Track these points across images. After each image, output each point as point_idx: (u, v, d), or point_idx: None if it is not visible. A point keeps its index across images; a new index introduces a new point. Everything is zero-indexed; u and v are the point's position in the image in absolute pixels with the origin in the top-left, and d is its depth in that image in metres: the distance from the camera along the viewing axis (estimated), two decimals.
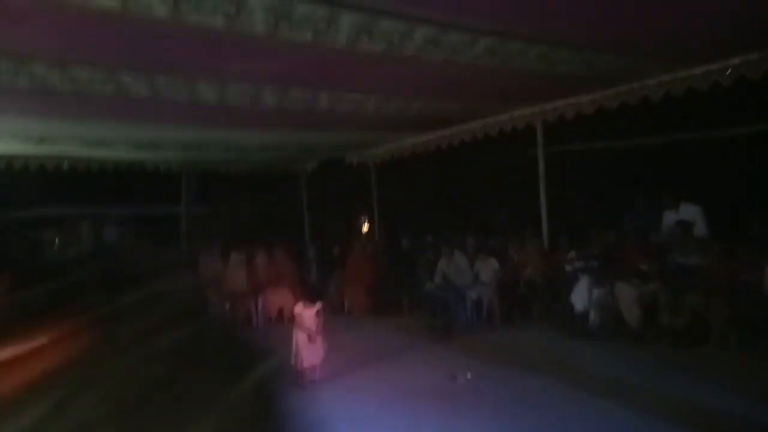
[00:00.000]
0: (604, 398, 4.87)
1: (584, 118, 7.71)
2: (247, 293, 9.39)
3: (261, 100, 6.36)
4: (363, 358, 6.84)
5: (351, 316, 9.59)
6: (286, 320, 8.76)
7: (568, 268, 7.56)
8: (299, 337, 5.78)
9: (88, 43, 4.45)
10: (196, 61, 5.04)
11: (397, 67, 5.40)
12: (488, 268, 8.33)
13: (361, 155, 11.51)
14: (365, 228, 12.92)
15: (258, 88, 6.00)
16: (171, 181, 11.29)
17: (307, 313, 5.84)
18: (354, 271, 9.84)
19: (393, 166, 11.28)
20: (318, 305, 5.97)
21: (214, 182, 11.90)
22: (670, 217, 7.30)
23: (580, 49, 5.32)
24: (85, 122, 6.94)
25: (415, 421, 4.75)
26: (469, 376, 5.72)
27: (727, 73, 6.03)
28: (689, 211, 7.18)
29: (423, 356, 6.83)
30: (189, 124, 7.42)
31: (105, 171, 9.67)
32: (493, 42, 4.87)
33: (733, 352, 5.90)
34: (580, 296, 7.10)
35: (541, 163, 8.51)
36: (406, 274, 9.57)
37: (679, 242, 6.93)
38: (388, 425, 4.69)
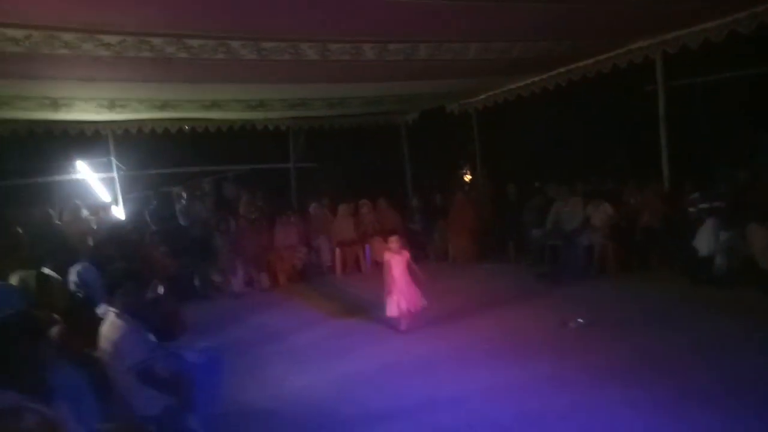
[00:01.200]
0: (733, 354, 4.53)
1: (708, 48, 6.93)
2: (354, 242, 9.77)
3: (361, 56, 6.39)
4: (469, 304, 6.92)
5: (455, 264, 9.68)
6: None
7: (691, 210, 7.02)
8: (390, 283, 5.89)
9: (198, 16, 4.72)
10: (298, 22, 5.16)
11: (497, 9, 5.16)
12: (601, 213, 7.96)
13: (463, 103, 11.27)
14: (468, 176, 12.78)
15: (357, 45, 6.03)
16: (280, 138, 11.82)
17: (395, 260, 5.91)
18: (457, 219, 9.84)
19: (495, 113, 10.93)
20: (405, 252, 5.99)
21: (320, 138, 12.27)
22: None
23: None
24: (200, 87, 7.39)
25: (524, 365, 4.76)
26: (581, 321, 5.60)
27: None
28: None
29: (532, 303, 6.78)
30: (293, 83, 7.66)
31: (221, 131, 10.29)
32: None
33: None
34: (705, 240, 6.59)
35: (661, 99, 7.85)
36: (512, 221, 9.41)
37: None
38: (497, 368, 4.75)
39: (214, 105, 8.64)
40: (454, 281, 8.48)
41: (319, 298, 8.15)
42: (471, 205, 10.22)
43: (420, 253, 10.37)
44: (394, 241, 6.05)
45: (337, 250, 9.76)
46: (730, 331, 5.02)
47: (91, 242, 7.48)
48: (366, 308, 6.97)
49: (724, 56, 7.69)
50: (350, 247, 9.78)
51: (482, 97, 10.70)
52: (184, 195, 10.54)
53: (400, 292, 5.89)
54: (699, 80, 8.55)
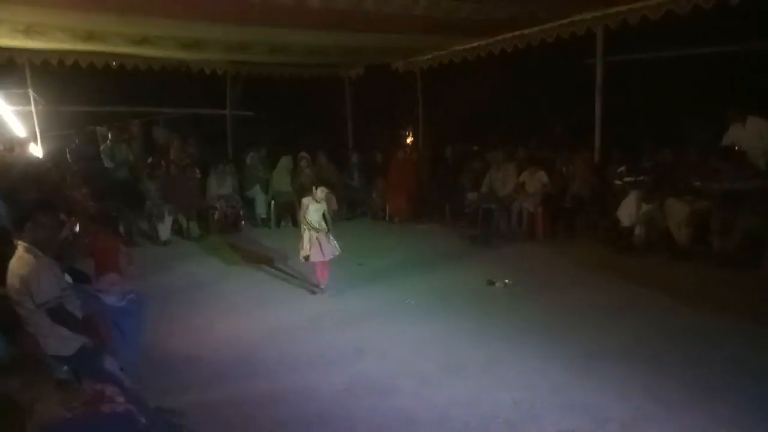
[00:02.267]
0: (638, 316, 4.85)
1: (646, 25, 7.14)
2: (291, 195, 9.61)
3: (305, 2, 6.13)
4: (402, 262, 7.02)
5: (392, 222, 9.76)
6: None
7: (617, 182, 7.35)
8: (306, 233, 5.72)
9: None
10: None
11: None
12: (535, 180, 8.18)
13: (408, 62, 11.14)
14: (409, 136, 12.77)
15: None
16: (216, 83, 11.29)
17: (312, 208, 5.77)
18: (396, 178, 9.87)
19: (441, 74, 10.88)
20: (323, 205, 5.81)
21: (259, 86, 11.80)
22: (735, 132, 6.88)
23: None
24: (129, 19, 6.87)
25: (450, 320, 4.91)
26: (507, 282, 5.81)
27: None
28: (757, 126, 6.73)
29: (463, 262, 6.95)
30: (232, 24, 7.27)
31: (153, 70, 9.69)
32: None
33: None
34: (628, 211, 6.94)
35: (599, 73, 8.05)
36: (450, 183, 9.53)
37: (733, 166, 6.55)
38: (424, 323, 4.86)
39: (145, 41, 8.06)
40: (389, 239, 8.55)
41: (250, 248, 8.01)
42: (410, 164, 10.25)
43: (357, 209, 10.40)
44: (321, 191, 5.80)
45: (272, 202, 9.58)
46: (640, 295, 5.36)
47: (5, 178, 6.95)
48: (297, 261, 6.91)
49: (663, 35, 7.92)
50: (286, 201, 9.61)
51: (428, 56, 10.60)
52: (110, 136, 9.95)
53: (313, 245, 5.69)
54: (636, 57, 8.79)
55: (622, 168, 7.42)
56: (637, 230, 6.82)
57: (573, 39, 8.00)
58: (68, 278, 3.59)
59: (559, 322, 4.72)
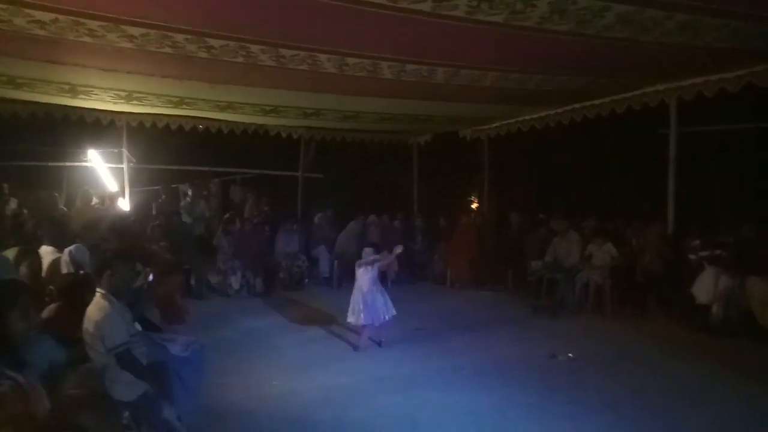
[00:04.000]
0: (716, 402, 4.49)
1: (723, 97, 6.96)
2: (355, 256, 9.74)
3: (378, 74, 6.47)
4: (461, 327, 6.89)
5: (453, 287, 9.65)
6: (389, 284, 9.03)
7: (692, 256, 6.98)
8: (356, 295, 5.87)
9: (222, 17, 4.80)
10: (318, 32, 5.23)
11: (518, 39, 5.20)
12: (603, 252, 7.92)
13: (475, 130, 11.33)
14: (474, 201, 12.80)
15: (375, 62, 6.10)
16: (291, 146, 11.92)
17: (362, 270, 5.89)
18: (459, 243, 9.84)
19: (507, 142, 10.98)
20: (374, 267, 5.92)
21: (330, 150, 12.36)
22: None
23: (727, 18, 4.78)
24: (216, 87, 7.49)
25: (507, 391, 4.72)
26: (571, 356, 5.55)
27: None
28: None
29: (524, 332, 6.73)
30: (309, 92, 7.75)
31: (233, 134, 10.39)
32: (627, 9, 4.53)
33: None
34: (704, 287, 6.54)
35: (672, 144, 7.86)
36: (513, 250, 9.38)
37: None
38: (480, 392, 4.71)
39: (229, 107, 8.75)
40: (450, 304, 8.45)
41: (312, 307, 8.13)
42: (474, 230, 10.21)
43: (419, 274, 10.38)
44: (367, 252, 6.01)
45: (336, 263, 9.76)
46: (718, 380, 4.96)
47: (95, 229, 7.54)
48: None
49: (740, 107, 7.70)
50: (349, 261, 9.74)
51: (496, 125, 10.75)
52: (190, 193, 10.62)
53: (364, 304, 5.83)
54: (712, 129, 8.55)
55: (697, 242, 7.06)
56: (715, 308, 6.39)
57: (646, 109, 7.90)
58: (138, 326, 3.79)
59: (628, 404, 4.43)
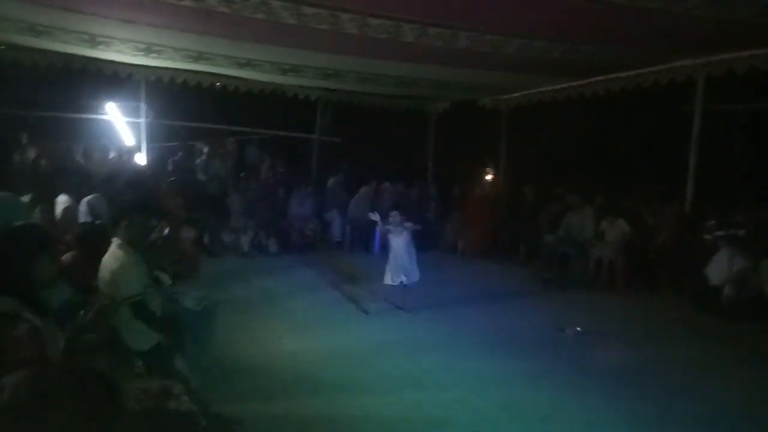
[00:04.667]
0: (721, 382, 4.49)
1: (752, 73, 6.74)
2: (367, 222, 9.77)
3: (400, 36, 6.34)
4: (471, 297, 6.93)
5: (463, 257, 9.66)
6: None
7: (707, 236, 6.89)
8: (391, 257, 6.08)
9: None
10: None
11: (545, 5, 5.06)
12: (616, 229, 7.85)
13: (495, 99, 11.14)
14: (489, 173, 12.67)
15: (397, 23, 5.97)
16: (307, 109, 11.83)
17: (394, 233, 6.08)
18: (472, 213, 9.80)
19: (527, 113, 10.78)
20: (407, 231, 6.15)
21: (348, 114, 12.25)
22: None
23: None
24: (236, 44, 7.41)
25: (514, 361, 4.76)
26: (579, 329, 5.56)
27: None
28: None
29: (534, 304, 6.75)
30: (329, 53, 7.64)
31: (251, 93, 10.32)
32: None
33: None
34: (718, 268, 6.47)
35: (696, 121, 7.67)
36: (527, 223, 9.33)
37: None
38: (486, 360, 4.75)
39: (249, 64, 8.65)
40: (461, 273, 8.48)
41: (324, 268, 8.20)
42: (488, 201, 10.15)
43: (430, 242, 10.39)
44: (395, 216, 6.21)
45: (348, 227, 9.79)
46: (724, 359, 4.96)
47: (112, 182, 7.61)
48: (367, 284, 7.01)
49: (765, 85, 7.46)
50: (361, 226, 9.78)
51: (516, 95, 10.56)
52: (205, 151, 10.63)
53: (399, 266, 6.01)
54: (739, 107, 8.31)
55: (713, 222, 6.96)
56: (727, 290, 6.34)
57: (673, 85, 7.69)
58: (165, 277, 3.84)
59: (631, 378, 4.44)
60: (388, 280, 6.16)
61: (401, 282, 6.10)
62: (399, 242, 6.10)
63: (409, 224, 6.24)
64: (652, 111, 9.16)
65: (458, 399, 3.97)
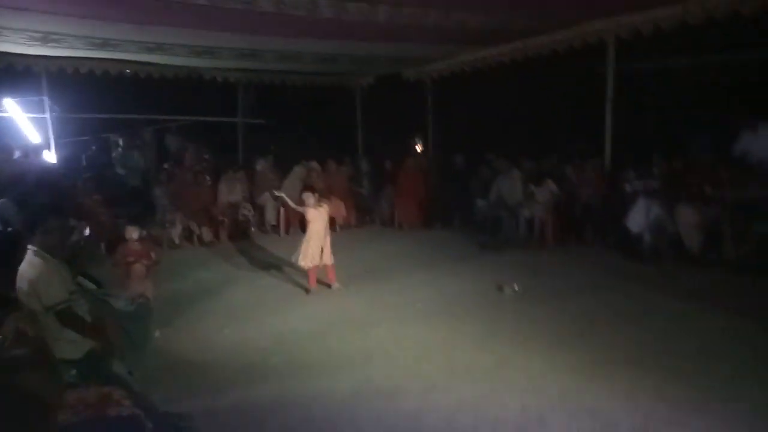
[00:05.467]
0: (650, 319, 4.82)
1: (659, 34, 7.11)
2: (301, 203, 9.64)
3: (317, 13, 6.20)
4: (410, 267, 7.02)
5: (401, 229, 9.76)
6: (338, 228, 9.05)
7: (627, 188, 7.30)
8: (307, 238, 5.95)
9: None
10: None
11: None
12: (544, 190, 8.15)
13: (419, 71, 11.18)
14: (419, 144, 12.80)
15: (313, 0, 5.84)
16: (228, 92, 11.43)
17: (313, 213, 5.97)
18: (405, 186, 9.88)
19: (451, 83, 10.91)
20: (325, 207, 6.05)
21: (270, 95, 11.93)
22: (748, 140, 6.82)
23: None
24: (143, 28, 6.99)
25: (457, 325, 4.89)
26: (516, 288, 5.77)
27: None
28: None
29: (472, 268, 6.92)
30: (245, 32, 7.36)
31: (165, 78, 9.82)
32: None
33: None
34: (637, 218, 6.88)
35: (609, 82, 8.03)
36: (459, 191, 9.52)
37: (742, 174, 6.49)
38: (432, 327, 4.85)
39: (159, 48, 8.19)
40: (399, 245, 8.55)
41: (260, 254, 8.05)
42: (420, 172, 10.26)
43: (366, 216, 10.42)
44: (308, 197, 6.05)
45: (282, 210, 9.62)
46: (650, 302, 5.30)
47: (20, 184, 7.07)
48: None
49: (675, 44, 7.90)
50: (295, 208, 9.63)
51: (439, 65, 10.64)
52: (121, 143, 10.08)
53: (315, 247, 5.91)
54: (646, 65, 8.75)
55: (631, 174, 7.38)
56: (646, 237, 6.76)
57: (586, 48, 7.99)
58: (86, 282, 3.63)
59: (568, 328, 4.68)
60: (306, 263, 5.95)
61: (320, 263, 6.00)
62: (319, 222, 5.96)
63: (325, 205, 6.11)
64: (570, 74, 9.48)
65: (407, 367, 4.03)
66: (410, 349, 4.39)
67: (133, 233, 5.37)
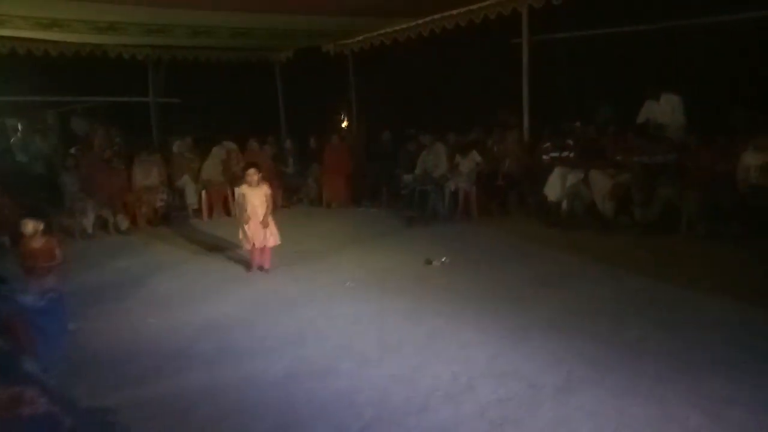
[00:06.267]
0: (570, 286, 5.04)
1: (570, 4, 7.37)
2: (222, 184, 9.35)
3: None
4: (339, 245, 7.01)
5: (329, 208, 9.69)
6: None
7: (544, 157, 7.60)
8: (245, 219, 5.79)
9: None
10: None
11: None
12: (469, 160, 8.32)
13: (339, 44, 11.01)
14: (343, 120, 12.69)
15: None
16: (138, 70, 10.77)
17: (251, 194, 5.80)
18: (331, 163, 9.80)
19: (372, 57, 10.84)
20: (266, 188, 5.90)
21: (184, 72, 11.35)
22: (651, 108, 7.26)
23: None
24: (36, 1, 6.42)
25: (388, 300, 4.93)
26: (444, 260, 5.89)
27: None
28: (670, 101, 7.13)
29: (400, 243, 7.00)
30: (150, 5, 6.93)
31: (65, 57, 9.10)
32: None
33: (701, 240, 6.10)
34: (554, 186, 7.19)
35: (525, 53, 8.26)
36: (386, 166, 9.55)
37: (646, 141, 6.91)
38: (362, 304, 4.86)
39: (54, 24, 7.56)
40: (326, 224, 8.50)
41: (182, 240, 7.75)
42: (345, 149, 10.19)
43: (293, 196, 10.25)
44: (252, 174, 5.83)
45: (203, 193, 9.28)
46: (569, 267, 5.58)
47: None
48: (232, 250, 6.75)
49: (588, 14, 8.21)
50: (217, 190, 9.33)
51: (359, 38, 10.54)
52: (20, 128, 9.31)
53: (255, 228, 5.78)
54: (559, 36, 9.04)
55: (548, 144, 7.68)
56: (564, 204, 7.09)
57: (501, 19, 8.15)
58: None
59: (495, 297, 4.83)
60: (246, 243, 5.87)
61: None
62: (255, 202, 5.80)
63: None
64: (486, 45, 9.65)
65: (340, 346, 4.02)
66: (342, 327, 4.38)
67: (29, 228, 4.59)
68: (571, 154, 7.47)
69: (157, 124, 11.16)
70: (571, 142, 7.66)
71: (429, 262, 5.92)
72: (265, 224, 5.81)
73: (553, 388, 3.21)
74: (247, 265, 6.06)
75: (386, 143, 10.15)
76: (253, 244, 5.82)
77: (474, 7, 8.29)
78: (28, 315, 3.47)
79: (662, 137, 6.91)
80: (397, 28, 9.60)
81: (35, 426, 2.57)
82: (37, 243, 4.63)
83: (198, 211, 9.30)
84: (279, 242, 5.95)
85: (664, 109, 7.14)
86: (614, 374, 3.32)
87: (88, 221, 8.00)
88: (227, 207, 9.30)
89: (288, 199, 10.09)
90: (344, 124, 12.98)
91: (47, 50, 8.82)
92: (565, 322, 4.15)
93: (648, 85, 7.36)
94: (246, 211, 5.78)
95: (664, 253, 5.80)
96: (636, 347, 3.66)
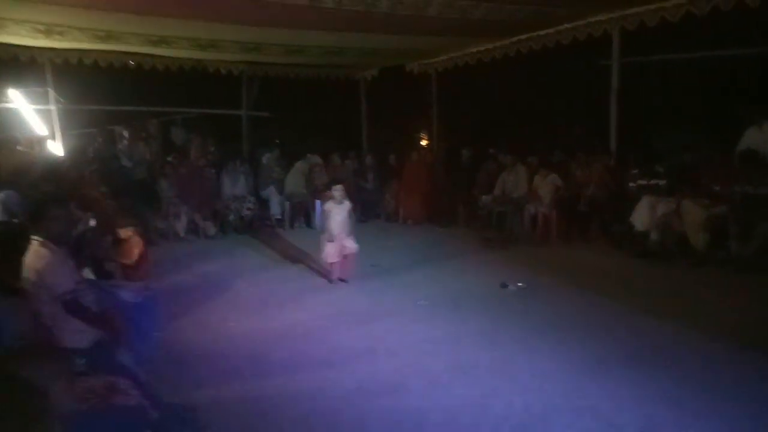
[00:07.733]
0: (654, 318, 4.80)
1: (664, 27, 7.07)
2: (305, 197, 9.65)
3: (319, 2, 6.17)
4: (414, 263, 7.02)
5: (405, 224, 9.75)
6: None
7: (631, 185, 7.27)
8: (329, 237, 5.97)
9: None
10: None
11: None
12: (548, 183, 8.13)
13: (423, 64, 11.14)
14: (424, 138, 12.77)
15: None
16: (232, 84, 11.40)
17: (336, 210, 5.97)
18: (410, 180, 9.87)
19: (455, 76, 10.87)
20: (348, 204, 6.07)
21: (275, 87, 11.91)
22: (753, 135, 6.77)
23: None
24: (147, 20, 6.97)
25: (461, 321, 4.89)
26: (520, 285, 5.76)
27: None
28: None
29: (475, 264, 6.92)
30: (247, 25, 7.34)
31: (170, 71, 9.81)
32: None
33: None
34: (642, 215, 6.85)
35: (614, 75, 7.99)
36: (464, 185, 9.50)
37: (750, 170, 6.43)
38: (435, 323, 4.85)
39: (162, 41, 8.18)
40: (404, 240, 8.56)
41: (265, 248, 8.06)
42: (425, 166, 10.24)
43: (371, 212, 10.41)
44: (338, 191, 6.05)
45: (287, 204, 9.63)
46: (656, 302, 5.27)
47: (25, 175, 7.07)
48: (311, 261, 6.95)
49: (682, 37, 7.84)
50: (300, 202, 9.65)
51: (443, 58, 10.59)
52: (126, 135, 10.08)
53: (339, 242, 5.94)
54: (652, 59, 8.68)
55: (636, 171, 7.34)
56: (653, 235, 6.73)
57: (590, 41, 7.95)
58: (88, 273, 3.62)
59: (572, 326, 4.66)
60: (330, 257, 6.04)
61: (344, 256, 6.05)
62: (339, 218, 6.00)
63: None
64: (574, 66, 9.43)
65: (411, 364, 4.03)
66: (414, 344, 4.39)
67: (129, 229, 4.97)
68: (661, 182, 7.10)
69: (247, 135, 11.73)
70: (661, 169, 7.28)
71: (505, 285, 5.81)
72: (346, 236, 6.00)
73: (635, 429, 3.04)
74: (325, 276, 6.22)
75: (466, 160, 10.09)
76: (335, 258, 5.98)
77: (562, 28, 8.12)
78: (125, 310, 3.74)
79: (765, 167, 6.42)
80: (481, 48, 9.58)
81: (125, 415, 2.76)
82: (136, 244, 5.02)
83: (281, 221, 9.65)
84: (357, 248, 6.10)
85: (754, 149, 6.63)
86: (702, 421, 3.10)
87: (181, 225, 8.52)
88: (309, 218, 9.60)
89: (365, 214, 10.25)
90: (424, 142, 13.05)
91: (155, 65, 9.54)
92: (648, 361, 3.93)
93: (748, 111, 6.88)
94: (330, 227, 5.95)
95: (758, 294, 5.35)
96: (727, 395, 3.39)
